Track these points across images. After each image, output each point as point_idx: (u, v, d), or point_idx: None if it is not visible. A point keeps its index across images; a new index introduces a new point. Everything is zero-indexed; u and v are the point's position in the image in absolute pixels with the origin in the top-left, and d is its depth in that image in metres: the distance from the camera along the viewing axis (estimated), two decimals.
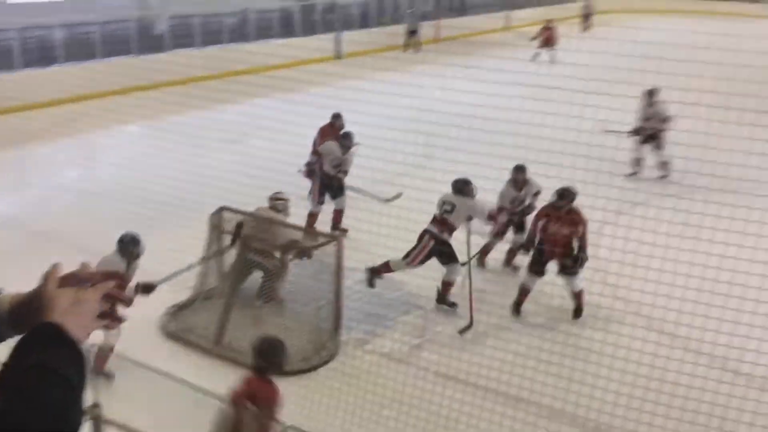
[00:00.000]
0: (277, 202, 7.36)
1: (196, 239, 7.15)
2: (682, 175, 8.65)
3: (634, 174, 10.89)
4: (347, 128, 9.30)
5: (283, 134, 8.21)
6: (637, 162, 11.01)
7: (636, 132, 10.81)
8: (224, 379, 5.72)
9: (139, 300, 5.41)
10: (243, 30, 20.16)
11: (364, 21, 24.23)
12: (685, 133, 6.33)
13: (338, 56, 20.90)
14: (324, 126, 9.78)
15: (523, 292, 7.07)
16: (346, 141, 8.81)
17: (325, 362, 6.42)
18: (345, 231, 8.42)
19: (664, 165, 10.87)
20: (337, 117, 9.73)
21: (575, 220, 6.85)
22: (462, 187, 7.26)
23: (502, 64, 10.55)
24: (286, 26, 21.21)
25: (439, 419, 5.41)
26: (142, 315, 6.23)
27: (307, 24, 21.71)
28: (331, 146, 8.84)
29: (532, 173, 7.76)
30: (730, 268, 5.32)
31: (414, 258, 7.13)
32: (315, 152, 9.24)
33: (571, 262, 6.85)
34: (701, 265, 5.38)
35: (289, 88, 11.42)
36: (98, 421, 4.05)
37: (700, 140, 5.75)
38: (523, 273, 7.27)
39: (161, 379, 4.95)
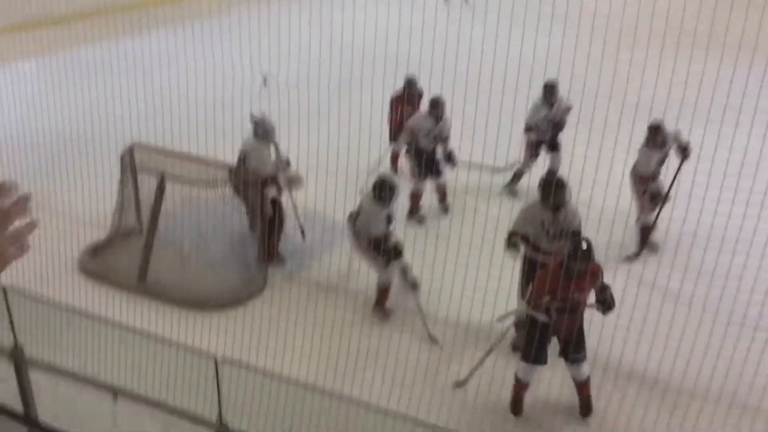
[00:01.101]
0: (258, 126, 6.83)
1: (108, 178, 6.86)
2: None
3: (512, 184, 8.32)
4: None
5: (192, 65, 7.85)
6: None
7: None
8: (148, 317, 5.64)
9: (53, 237, 5.20)
10: None
11: None
12: None
13: None
14: (396, 95, 8.40)
15: (521, 387, 5.01)
16: (435, 110, 7.56)
17: (254, 295, 6.37)
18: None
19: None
20: (411, 84, 8.26)
21: (594, 271, 4.77)
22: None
23: None
24: None
25: (371, 346, 5.47)
26: (59, 254, 6.00)
27: None
28: (421, 121, 7.70)
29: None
30: None
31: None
32: (398, 125, 8.15)
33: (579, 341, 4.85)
34: None
35: (196, 15, 10.92)
36: (21, 363, 3.90)
37: None
38: (517, 362, 5.06)
39: (84, 319, 4.80)
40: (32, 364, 4.04)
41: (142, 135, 7.04)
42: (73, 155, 7.74)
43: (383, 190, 5.88)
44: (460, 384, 5.19)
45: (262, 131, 6.76)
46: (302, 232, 6.98)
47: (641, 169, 6.80)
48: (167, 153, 6.85)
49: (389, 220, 6.03)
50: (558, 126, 7.92)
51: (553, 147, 8.00)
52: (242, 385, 4.03)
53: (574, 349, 4.74)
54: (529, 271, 5.35)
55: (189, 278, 6.38)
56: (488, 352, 5.10)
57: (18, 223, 1.24)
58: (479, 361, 5.09)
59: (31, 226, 1.26)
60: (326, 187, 6.26)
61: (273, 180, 6.72)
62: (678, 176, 6.63)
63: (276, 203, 6.76)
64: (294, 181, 6.82)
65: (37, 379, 4.18)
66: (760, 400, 4.79)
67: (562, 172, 7.10)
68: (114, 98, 8.83)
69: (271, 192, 6.72)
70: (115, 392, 4.08)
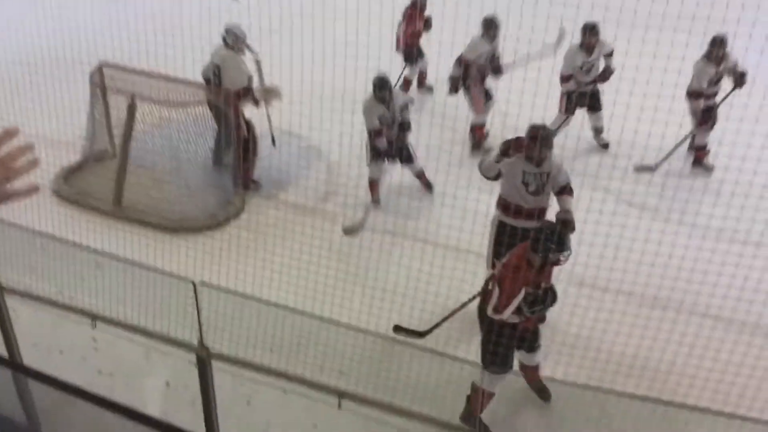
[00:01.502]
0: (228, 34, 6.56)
1: (79, 101, 6.66)
2: None
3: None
4: None
5: None
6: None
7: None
8: (125, 241, 5.59)
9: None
10: None
11: None
12: None
13: None
14: (409, 10, 8.00)
15: (488, 399, 4.33)
16: (490, 30, 7.03)
17: (232, 218, 6.33)
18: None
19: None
20: None
21: None
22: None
23: None
24: None
25: (349, 267, 5.49)
26: (32, 179, 5.87)
27: None
28: (476, 44, 7.09)
29: None
30: None
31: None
32: (409, 43, 7.93)
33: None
34: None
35: None
36: None
37: None
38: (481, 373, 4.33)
39: (59, 245, 4.75)
40: (9, 292, 4.00)
41: (111, 57, 6.79)
42: (41, 78, 7.48)
43: (379, 89, 6.10)
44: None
45: (233, 39, 6.52)
46: (273, 140, 6.82)
47: (694, 84, 6.69)
48: (138, 72, 6.63)
49: (390, 120, 6.13)
50: (604, 74, 7.03)
51: (593, 102, 7.12)
52: (222, 308, 4.04)
53: (533, 337, 4.34)
54: (499, 237, 4.89)
55: (165, 201, 6.31)
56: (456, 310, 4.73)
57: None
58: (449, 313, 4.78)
59: (33, 164, 1.40)
60: (303, 106, 6.12)
61: (248, 93, 6.55)
62: (726, 100, 6.53)
63: (249, 127, 6.63)
64: (270, 93, 6.62)
65: (15, 306, 4.15)
66: (733, 310, 4.90)
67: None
68: (82, 20, 8.48)
69: (247, 105, 6.56)
70: (94, 318, 4.07)
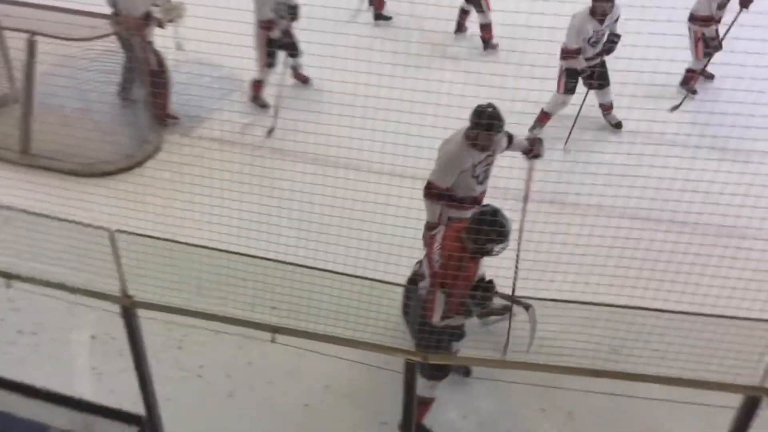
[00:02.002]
0: None
1: None
2: None
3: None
4: None
5: None
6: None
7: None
8: (35, 191, 5.32)
9: None
10: None
11: None
12: None
13: None
14: None
15: (428, 405, 4.31)
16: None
17: (151, 156, 6.10)
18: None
19: None
20: None
21: None
22: None
23: None
24: None
25: (273, 190, 5.34)
26: None
27: None
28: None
29: None
30: None
31: None
32: None
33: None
34: None
35: None
36: None
37: None
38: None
39: None
40: None
41: None
42: None
43: None
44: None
45: None
46: (180, 47, 6.42)
47: (700, 8, 6.48)
48: (35, 6, 6.18)
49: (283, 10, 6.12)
50: (611, 45, 6.22)
51: (602, 79, 6.36)
52: (144, 254, 3.91)
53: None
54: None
55: (76, 144, 6.01)
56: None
57: None
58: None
59: None
60: (215, 34, 5.82)
61: (149, 18, 6.18)
62: (734, 24, 6.33)
63: (159, 57, 6.30)
64: (173, 11, 6.24)
65: None
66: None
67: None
68: None
69: (153, 30, 6.21)
70: (8, 277, 3.88)
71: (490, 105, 4.41)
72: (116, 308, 3.60)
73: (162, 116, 6.39)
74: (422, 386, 4.13)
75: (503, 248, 3.83)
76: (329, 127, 4.67)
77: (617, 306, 3.50)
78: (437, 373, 4.12)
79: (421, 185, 4.74)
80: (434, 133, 4.54)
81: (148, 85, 6.20)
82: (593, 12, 6.07)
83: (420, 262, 4.30)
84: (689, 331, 3.30)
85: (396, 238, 4.49)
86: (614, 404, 4.39)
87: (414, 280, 4.20)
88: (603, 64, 6.35)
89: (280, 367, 4.69)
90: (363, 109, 4.59)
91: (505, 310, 4.32)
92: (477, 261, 3.87)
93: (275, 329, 3.55)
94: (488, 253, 3.83)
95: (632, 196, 5.15)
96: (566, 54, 6.18)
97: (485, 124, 4.31)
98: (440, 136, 4.72)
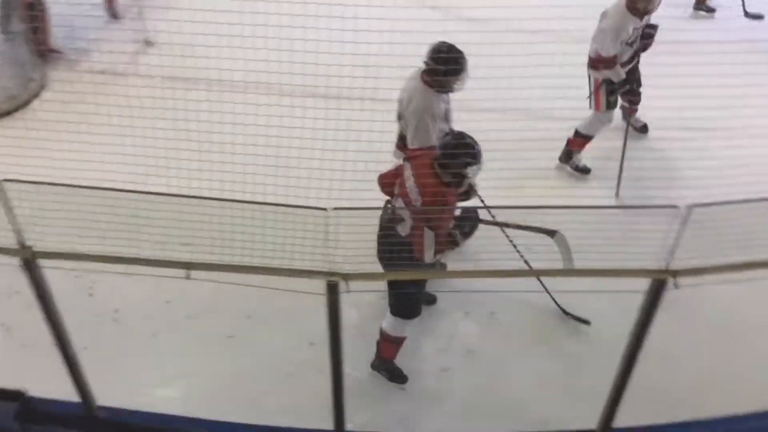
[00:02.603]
0: None
1: None
2: None
3: None
4: None
5: None
6: None
7: None
8: None
9: None
10: None
11: None
12: None
13: None
14: None
15: (395, 344, 4.37)
16: None
17: (36, 95, 5.70)
18: None
19: None
20: None
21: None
22: None
23: None
24: None
25: (178, 133, 5.12)
26: None
27: None
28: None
29: None
30: None
31: None
32: None
33: None
34: None
35: None
36: None
37: None
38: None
39: None
40: None
41: None
42: None
43: None
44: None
45: None
46: None
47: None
48: None
49: None
50: (648, 40, 5.11)
51: (637, 80, 5.32)
52: (40, 202, 3.69)
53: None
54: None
55: None
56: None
57: None
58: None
59: None
60: None
61: None
62: None
63: None
64: None
65: None
66: None
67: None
68: None
69: None
70: None
71: (447, 46, 4.20)
72: (16, 262, 3.41)
73: (44, 51, 5.95)
74: (394, 326, 4.23)
75: (478, 170, 3.78)
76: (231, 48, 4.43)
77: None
78: (411, 311, 4.15)
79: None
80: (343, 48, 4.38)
81: (25, 18, 5.73)
82: (633, 8, 4.90)
83: (389, 206, 4.15)
84: (595, 224, 3.41)
85: (314, 162, 4.40)
86: (532, 299, 4.59)
87: (389, 227, 4.04)
88: (637, 66, 5.29)
89: (200, 303, 4.63)
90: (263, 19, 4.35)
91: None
92: (453, 190, 3.83)
93: (188, 265, 3.46)
94: (465, 178, 3.79)
95: None
96: (601, 63, 5.03)
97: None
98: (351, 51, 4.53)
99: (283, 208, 3.61)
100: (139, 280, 3.78)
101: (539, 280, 4.41)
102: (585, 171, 5.48)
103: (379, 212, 4.12)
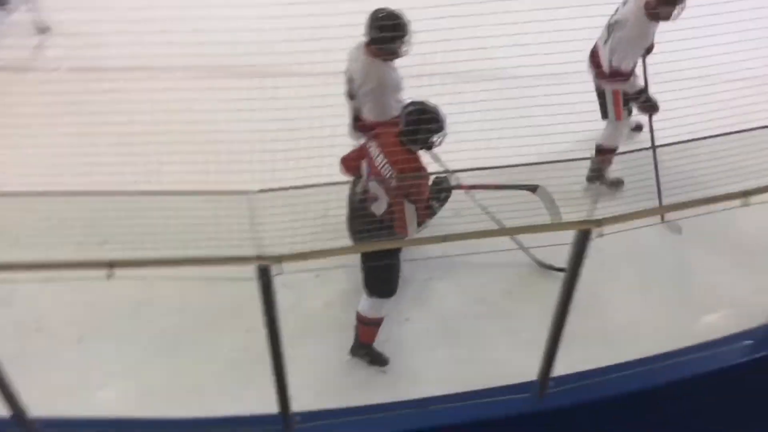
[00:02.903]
0: None
1: None
2: None
3: None
4: None
5: None
6: None
7: None
8: None
9: None
10: None
11: None
12: None
13: None
14: None
15: (374, 325, 4.35)
16: None
17: None
18: None
19: None
20: None
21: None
22: None
23: None
24: None
25: (86, 116, 4.86)
26: None
27: None
28: None
29: None
30: None
31: None
32: None
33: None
34: None
35: None
36: None
37: None
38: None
39: None
40: None
41: None
42: None
43: None
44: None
45: None
46: None
47: None
48: None
49: None
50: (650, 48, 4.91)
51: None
52: None
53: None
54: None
55: None
56: None
57: None
58: None
59: None
60: None
61: None
62: None
63: None
64: None
65: None
66: None
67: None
68: None
69: None
70: None
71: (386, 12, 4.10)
72: None
73: None
74: (371, 307, 4.20)
75: (444, 135, 3.81)
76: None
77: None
78: (388, 288, 4.11)
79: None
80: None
81: None
82: (653, 14, 4.62)
83: (355, 187, 4.13)
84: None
85: (234, 145, 4.27)
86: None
87: (361, 207, 4.02)
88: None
89: (126, 302, 4.48)
90: None
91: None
92: (420, 157, 3.86)
93: (110, 264, 3.32)
94: (432, 146, 3.83)
95: None
96: (621, 76, 4.80)
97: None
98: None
99: (205, 196, 3.51)
100: (57, 286, 3.61)
101: (513, 238, 4.53)
102: (619, 184, 5.12)
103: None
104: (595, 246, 3.18)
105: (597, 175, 5.11)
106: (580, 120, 4.13)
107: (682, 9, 4.56)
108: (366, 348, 4.34)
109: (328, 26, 3.91)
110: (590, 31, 4.90)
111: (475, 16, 4.01)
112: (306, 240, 4.00)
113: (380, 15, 4.11)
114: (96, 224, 3.76)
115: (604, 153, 5.11)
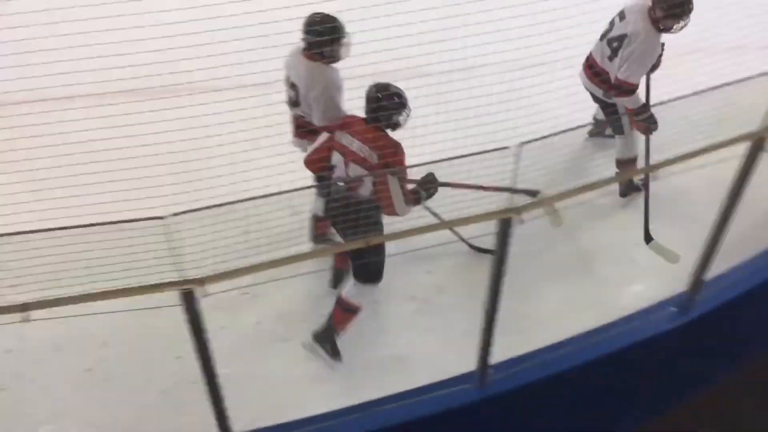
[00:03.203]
0: None
1: None
2: None
3: None
4: None
5: None
6: None
7: None
8: None
9: None
10: None
11: None
12: None
13: None
14: None
15: (351, 313, 4.33)
16: None
17: None
18: None
19: None
20: None
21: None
22: None
23: None
24: None
25: None
26: None
27: None
28: None
29: None
30: None
31: None
32: None
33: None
34: None
35: None
36: None
37: None
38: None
39: None
40: None
41: None
42: None
43: None
44: None
45: None
46: None
47: None
48: None
49: None
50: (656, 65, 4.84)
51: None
52: None
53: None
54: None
55: None
56: None
57: None
58: None
59: None
60: None
61: None
62: None
63: None
64: None
65: None
66: None
67: None
68: None
69: None
70: None
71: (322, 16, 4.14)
72: None
73: None
74: (354, 293, 4.17)
75: (408, 113, 3.97)
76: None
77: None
78: (375, 274, 4.12)
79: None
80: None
81: None
82: (664, 27, 4.63)
83: (339, 180, 4.11)
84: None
85: (147, 170, 4.12)
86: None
87: (344, 197, 4.00)
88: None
89: (45, 344, 4.30)
90: None
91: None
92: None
93: (23, 307, 3.17)
94: (399, 125, 3.98)
95: None
96: (627, 89, 4.75)
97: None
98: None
99: (118, 225, 3.39)
100: None
101: (451, 229, 4.57)
102: (640, 188, 5.19)
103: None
104: (519, 233, 3.24)
105: (627, 187, 5.25)
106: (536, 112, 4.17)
107: (685, 24, 4.59)
108: (332, 335, 4.27)
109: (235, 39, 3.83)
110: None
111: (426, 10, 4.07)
112: (229, 259, 3.92)
113: (317, 19, 4.15)
114: (5, 267, 3.57)
115: (624, 165, 5.14)
